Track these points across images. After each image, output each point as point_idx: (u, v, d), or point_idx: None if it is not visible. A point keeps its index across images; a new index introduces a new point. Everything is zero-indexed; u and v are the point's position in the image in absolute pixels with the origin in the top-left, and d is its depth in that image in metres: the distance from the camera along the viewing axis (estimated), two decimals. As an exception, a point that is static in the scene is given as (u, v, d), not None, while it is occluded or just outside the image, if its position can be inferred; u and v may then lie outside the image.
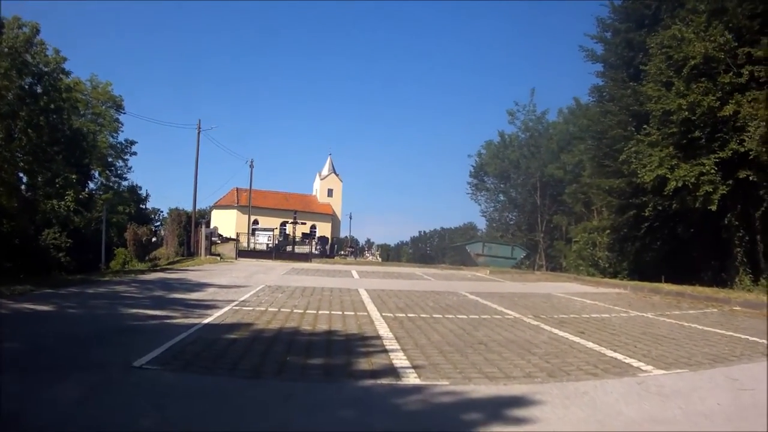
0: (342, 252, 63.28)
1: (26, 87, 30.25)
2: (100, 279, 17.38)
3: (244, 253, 42.08)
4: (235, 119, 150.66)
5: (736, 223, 19.40)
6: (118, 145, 55.60)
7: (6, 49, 27.05)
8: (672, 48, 19.43)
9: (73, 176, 33.87)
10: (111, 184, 55.16)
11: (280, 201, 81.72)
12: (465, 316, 10.48)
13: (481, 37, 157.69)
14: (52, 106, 32.09)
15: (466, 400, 5.01)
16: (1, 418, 4.05)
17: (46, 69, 32.99)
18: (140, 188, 60.79)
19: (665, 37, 19.85)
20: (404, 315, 10.35)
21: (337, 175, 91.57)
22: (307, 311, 10.40)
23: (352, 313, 10.41)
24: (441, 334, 8.25)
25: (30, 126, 29.43)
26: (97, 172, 50.97)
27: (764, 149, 16.97)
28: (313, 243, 58.28)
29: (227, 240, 50.24)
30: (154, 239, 54.08)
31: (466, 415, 4.62)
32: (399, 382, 5.46)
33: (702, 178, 18.09)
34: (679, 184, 18.40)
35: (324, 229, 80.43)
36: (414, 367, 6.04)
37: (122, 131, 55.54)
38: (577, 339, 8.20)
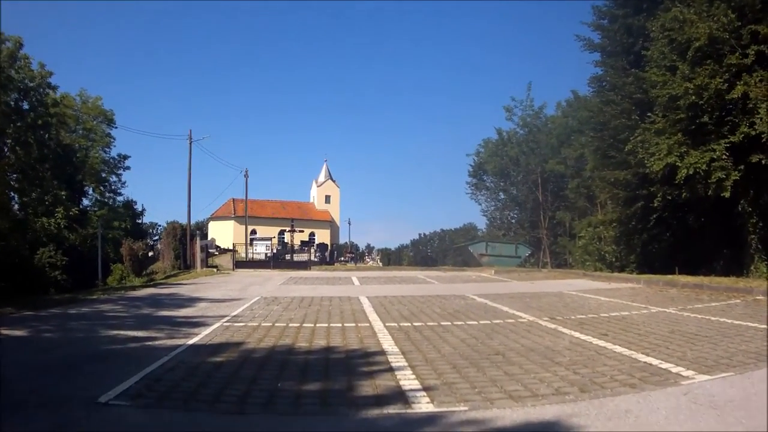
0: (342, 258, 62.40)
1: (12, 103, 29.62)
2: (88, 297, 16.66)
3: (241, 264, 41.31)
4: (229, 129, 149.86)
5: (749, 209, 18.61)
6: (111, 160, 55.24)
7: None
8: (674, 30, 18.72)
9: (63, 193, 33.26)
10: (105, 199, 54.72)
11: (278, 210, 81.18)
12: (475, 322, 9.68)
13: (473, 34, 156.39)
14: (40, 122, 31.50)
15: (491, 431, 4.19)
16: None
17: (31, 84, 32.38)
18: (135, 203, 60.38)
19: (667, 20, 19.12)
20: (409, 324, 9.52)
21: (333, 182, 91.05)
22: (304, 325, 9.58)
23: (353, 324, 9.57)
24: (452, 345, 7.43)
25: (18, 143, 28.79)
26: (90, 188, 50.41)
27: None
28: (312, 250, 57.60)
29: (225, 251, 49.58)
30: (150, 254, 53.53)
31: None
32: (409, 411, 4.63)
33: (713, 164, 17.32)
34: (690, 172, 17.63)
35: (323, 236, 79.82)
36: (425, 388, 5.22)
37: (114, 146, 55.18)
38: (602, 343, 7.45)
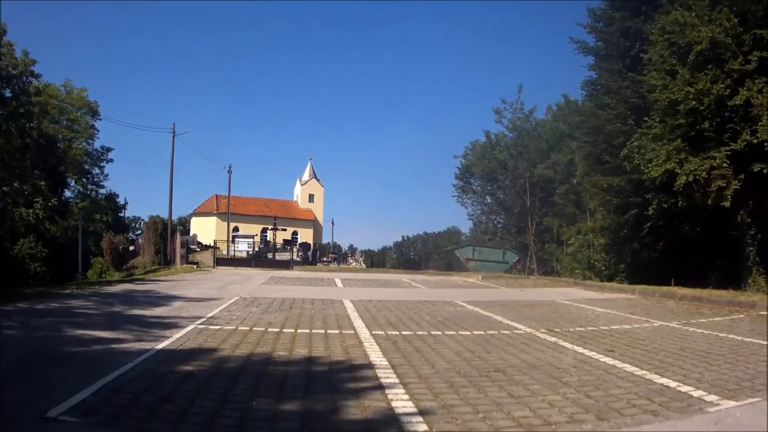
0: (324, 258, 61.43)
1: (-7, 91, 28.74)
2: (61, 292, 15.90)
3: (223, 261, 40.42)
4: (214, 124, 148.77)
5: (749, 220, 18.15)
6: (94, 152, 54.45)
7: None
8: (675, 34, 18.26)
9: (42, 183, 32.34)
10: (88, 191, 53.96)
11: (261, 207, 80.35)
12: (468, 333, 9.03)
13: (463, 34, 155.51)
14: (22, 110, 30.53)
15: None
16: None
17: (14, 71, 31.40)
18: (118, 196, 59.52)
19: (667, 23, 18.65)
20: (398, 333, 8.83)
21: (318, 181, 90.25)
22: (284, 330, 8.85)
23: (337, 331, 8.86)
24: (447, 360, 6.75)
25: (-1, 132, 27.87)
26: (73, 179, 49.58)
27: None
28: (295, 249, 56.84)
29: (206, 248, 48.78)
30: (132, 248, 52.73)
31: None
32: (404, 442, 3.95)
33: (714, 172, 16.83)
34: (690, 179, 17.13)
35: (306, 236, 79.11)
36: (421, 412, 4.54)
37: (98, 138, 54.37)
38: (609, 360, 6.83)
